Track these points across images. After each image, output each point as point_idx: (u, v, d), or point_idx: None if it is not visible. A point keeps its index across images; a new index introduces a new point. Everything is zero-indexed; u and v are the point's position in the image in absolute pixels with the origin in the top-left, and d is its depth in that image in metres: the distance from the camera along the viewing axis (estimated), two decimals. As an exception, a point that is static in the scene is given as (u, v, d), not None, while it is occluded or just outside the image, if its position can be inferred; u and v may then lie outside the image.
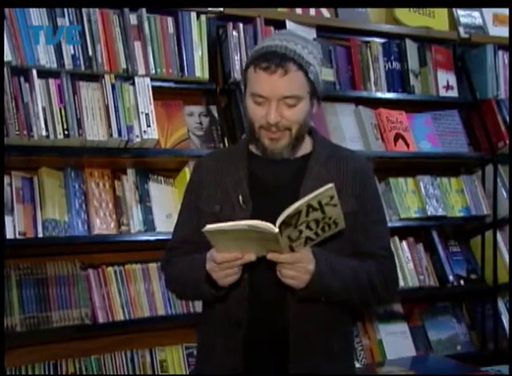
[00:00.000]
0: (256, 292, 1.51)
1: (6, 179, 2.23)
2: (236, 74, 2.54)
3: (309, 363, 1.51)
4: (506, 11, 3.31)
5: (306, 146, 1.61)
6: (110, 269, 2.40)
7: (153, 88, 2.39)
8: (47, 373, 2.27)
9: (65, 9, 2.29)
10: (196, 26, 2.53)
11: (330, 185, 1.31)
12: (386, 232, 1.65)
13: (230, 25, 2.61)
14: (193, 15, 2.52)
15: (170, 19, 2.49)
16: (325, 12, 2.95)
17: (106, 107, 2.29)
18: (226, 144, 2.53)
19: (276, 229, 1.30)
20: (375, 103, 2.95)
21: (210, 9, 2.58)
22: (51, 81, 2.22)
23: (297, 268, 1.39)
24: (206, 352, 1.62)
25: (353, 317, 2.79)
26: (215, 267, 1.41)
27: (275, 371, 1.52)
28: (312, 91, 1.53)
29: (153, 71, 2.42)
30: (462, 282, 2.97)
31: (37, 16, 2.24)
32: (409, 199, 2.90)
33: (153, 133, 2.34)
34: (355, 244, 1.57)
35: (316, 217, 1.34)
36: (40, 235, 2.24)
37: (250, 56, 1.54)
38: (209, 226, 1.32)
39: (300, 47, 1.49)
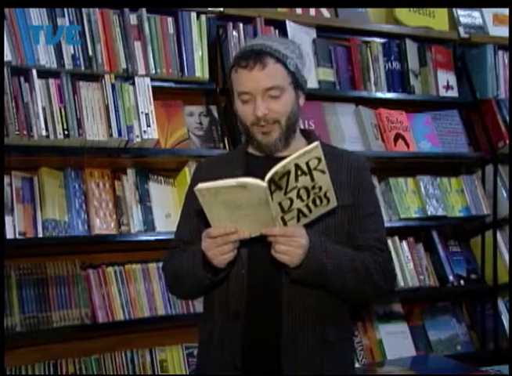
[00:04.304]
0: (254, 278, 1.53)
1: (6, 179, 2.23)
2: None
3: (302, 352, 1.53)
4: (506, 11, 3.31)
5: (301, 146, 1.62)
6: (110, 269, 2.40)
7: (153, 88, 2.39)
8: (47, 373, 2.27)
9: (65, 9, 2.29)
10: (196, 26, 2.53)
11: (316, 143, 1.36)
12: (381, 225, 1.66)
13: (230, 25, 2.61)
14: (193, 15, 2.52)
15: (170, 19, 2.49)
16: (325, 12, 2.96)
17: (106, 107, 2.29)
18: (226, 144, 2.54)
19: (265, 184, 1.32)
20: (375, 103, 2.96)
21: (210, 9, 2.58)
22: (51, 81, 2.22)
23: (290, 242, 1.41)
24: (206, 345, 1.63)
25: (353, 317, 2.81)
26: (210, 244, 1.43)
27: (270, 363, 1.53)
28: (295, 82, 1.58)
29: (153, 71, 2.42)
30: (462, 282, 2.97)
31: (37, 16, 2.24)
32: (409, 199, 2.90)
33: (153, 133, 2.34)
34: (350, 237, 1.59)
35: (306, 184, 1.37)
36: (40, 235, 2.24)
37: (232, 60, 1.61)
38: (200, 184, 1.34)
39: (277, 43, 1.57)
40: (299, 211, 1.41)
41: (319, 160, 1.36)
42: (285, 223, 1.41)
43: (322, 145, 1.70)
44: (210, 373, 1.62)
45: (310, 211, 1.42)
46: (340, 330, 1.61)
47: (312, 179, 1.38)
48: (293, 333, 1.52)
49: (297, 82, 1.59)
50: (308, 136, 1.69)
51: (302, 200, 1.39)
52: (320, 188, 1.39)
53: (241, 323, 1.53)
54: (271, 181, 1.33)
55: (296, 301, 1.53)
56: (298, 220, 1.42)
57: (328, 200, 1.43)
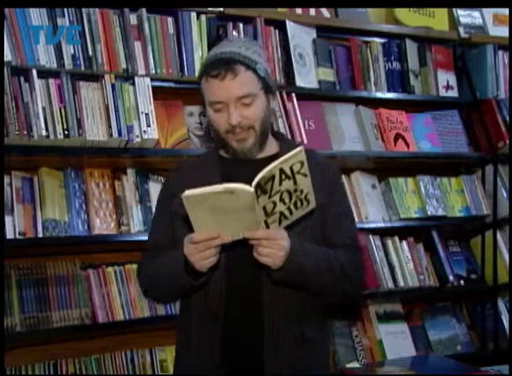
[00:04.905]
0: (233, 280, 1.55)
1: (6, 179, 2.23)
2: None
3: (283, 352, 1.55)
4: (506, 11, 3.31)
5: (273, 148, 1.68)
6: (110, 269, 2.40)
7: (153, 88, 2.39)
8: (47, 373, 2.27)
9: (65, 9, 2.29)
10: (196, 26, 2.53)
11: (300, 148, 1.38)
12: (353, 223, 1.73)
13: (230, 25, 2.61)
14: (193, 15, 2.52)
15: (170, 19, 2.49)
16: (325, 12, 2.95)
17: (106, 107, 2.29)
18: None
19: (252, 189, 1.34)
20: (375, 103, 2.96)
21: (210, 9, 2.57)
22: (51, 81, 2.22)
23: (273, 245, 1.43)
24: (184, 348, 1.65)
25: (353, 317, 2.81)
26: (193, 249, 1.44)
27: (252, 363, 1.55)
28: (265, 87, 1.60)
29: (153, 71, 2.42)
30: (462, 282, 2.97)
31: (37, 16, 2.24)
32: (409, 199, 2.90)
33: (153, 133, 2.34)
34: (324, 236, 1.63)
35: (289, 187, 1.40)
36: (40, 235, 2.24)
37: (201, 68, 1.62)
38: (188, 191, 1.34)
39: (244, 49, 1.57)
40: (281, 213, 1.44)
41: (302, 164, 1.39)
42: (267, 226, 1.43)
43: (293, 145, 1.74)
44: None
45: (291, 213, 1.45)
46: (319, 329, 1.65)
47: (295, 183, 1.41)
48: (274, 334, 1.54)
49: (267, 86, 1.60)
50: (278, 137, 1.73)
51: (284, 203, 1.42)
52: (302, 191, 1.43)
53: (221, 326, 1.55)
54: (257, 186, 1.35)
55: (277, 303, 1.55)
56: (280, 223, 1.45)
57: (308, 202, 1.46)
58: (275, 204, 1.40)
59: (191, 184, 1.53)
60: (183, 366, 1.66)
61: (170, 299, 1.86)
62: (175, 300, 1.80)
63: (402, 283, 2.81)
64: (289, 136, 2.58)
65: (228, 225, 1.41)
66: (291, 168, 1.38)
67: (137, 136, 2.32)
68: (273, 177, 1.37)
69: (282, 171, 1.37)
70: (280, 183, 1.38)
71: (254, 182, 1.35)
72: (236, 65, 1.53)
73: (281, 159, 1.37)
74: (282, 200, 1.41)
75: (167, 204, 1.66)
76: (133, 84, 2.35)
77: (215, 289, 1.55)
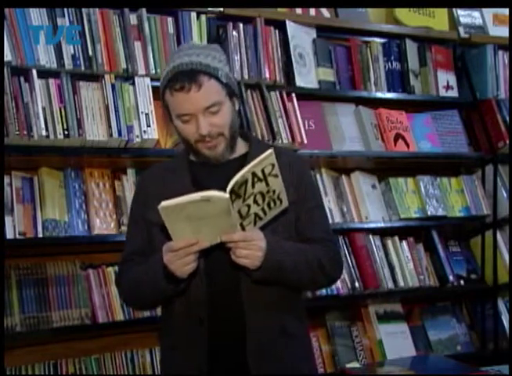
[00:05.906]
0: (212, 283, 1.57)
1: (6, 179, 2.23)
2: (236, 75, 2.54)
3: (265, 346, 1.57)
4: (506, 11, 3.32)
5: (242, 148, 1.69)
6: (110, 269, 2.39)
7: (153, 88, 2.39)
8: (47, 373, 2.27)
9: (65, 9, 2.29)
10: (196, 26, 2.53)
11: (270, 150, 1.41)
12: (325, 216, 1.75)
13: (230, 25, 2.61)
14: (193, 15, 2.52)
15: (170, 19, 2.49)
16: (325, 12, 2.96)
17: (106, 107, 2.29)
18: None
19: (227, 195, 1.37)
20: (375, 103, 2.96)
21: (210, 9, 2.58)
22: (51, 81, 2.22)
23: (250, 246, 1.45)
24: (171, 351, 1.65)
25: (353, 317, 2.81)
26: (173, 257, 1.45)
27: (236, 361, 1.57)
28: (229, 92, 1.60)
29: (153, 71, 2.42)
30: (462, 282, 2.98)
31: (37, 16, 2.24)
32: (409, 199, 2.90)
33: (153, 133, 2.34)
34: (299, 231, 1.65)
35: (261, 189, 1.43)
36: (40, 235, 2.24)
37: (162, 81, 1.60)
38: (164, 202, 1.36)
39: (202, 57, 1.56)
40: (255, 215, 1.46)
41: (273, 165, 1.43)
42: (243, 228, 1.46)
43: (265, 145, 1.77)
44: None
45: (265, 213, 1.48)
46: (300, 322, 1.67)
47: (267, 184, 1.44)
48: (256, 330, 1.56)
49: (231, 91, 1.61)
50: (246, 137, 1.74)
51: (258, 205, 1.45)
52: (274, 191, 1.46)
53: (205, 327, 1.56)
54: (231, 191, 1.38)
55: (257, 300, 1.57)
56: (255, 224, 1.48)
57: (281, 202, 1.50)
58: (249, 206, 1.43)
59: (164, 190, 1.55)
60: (170, 368, 1.67)
61: (152, 306, 1.88)
62: (156, 307, 1.83)
63: (402, 283, 2.81)
64: (289, 136, 2.58)
65: (205, 231, 1.43)
66: (263, 171, 1.41)
67: (137, 136, 2.32)
68: (246, 181, 1.40)
69: (254, 174, 1.40)
70: (253, 186, 1.41)
71: (229, 188, 1.37)
72: (199, 75, 1.52)
73: (252, 163, 1.39)
74: (255, 202, 1.44)
75: (142, 211, 1.67)
76: (133, 84, 2.35)
77: (197, 293, 1.57)
